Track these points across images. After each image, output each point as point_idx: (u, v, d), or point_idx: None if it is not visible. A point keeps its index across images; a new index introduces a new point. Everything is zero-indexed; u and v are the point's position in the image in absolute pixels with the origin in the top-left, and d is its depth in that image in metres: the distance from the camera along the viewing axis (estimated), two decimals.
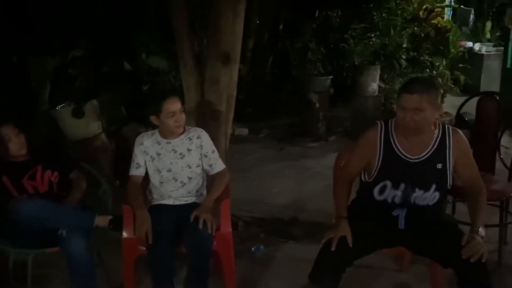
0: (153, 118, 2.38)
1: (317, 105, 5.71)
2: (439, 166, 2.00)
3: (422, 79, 2.13)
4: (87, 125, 4.09)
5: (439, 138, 2.02)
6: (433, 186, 2.01)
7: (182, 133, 2.44)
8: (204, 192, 2.48)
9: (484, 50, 8.41)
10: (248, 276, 2.69)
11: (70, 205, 2.46)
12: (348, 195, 2.16)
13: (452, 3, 8.68)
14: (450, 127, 2.06)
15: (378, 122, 2.09)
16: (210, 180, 2.49)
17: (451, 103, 6.81)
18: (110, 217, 2.37)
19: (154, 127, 2.51)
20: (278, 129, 6.14)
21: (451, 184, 2.06)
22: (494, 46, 8.69)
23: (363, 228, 2.02)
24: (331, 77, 5.98)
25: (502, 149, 2.98)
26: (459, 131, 2.08)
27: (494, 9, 9.38)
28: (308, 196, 3.90)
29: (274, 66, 6.93)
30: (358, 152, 2.13)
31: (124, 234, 2.31)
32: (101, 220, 2.36)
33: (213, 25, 2.95)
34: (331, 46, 6.45)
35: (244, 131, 6.07)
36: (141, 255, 2.27)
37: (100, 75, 4.77)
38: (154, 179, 2.42)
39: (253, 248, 2.95)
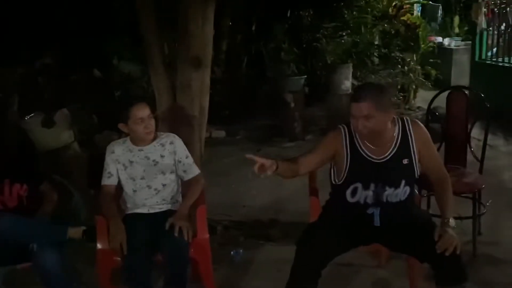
0: (121, 126, 2.33)
1: (293, 105, 5.73)
2: (405, 161, 2.02)
3: (370, 86, 2.10)
4: (58, 135, 4.00)
5: (400, 134, 2.04)
6: (403, 182, 2.03)
7: (154, 139, 2.40)
8: (179, 199, 2.44)
9: (453, 44, 8.59)
10: (228, 281, 2.67)
11: (41, 218, 2.39)
12: (297, 170, 2.06)
13: (421, 0, 8.84)
14: (409, 120, 2.08)
15: (341, 126, 2.09)
16: (185, 186, 2.46)
17: (423, 97, 6.93)
18: (84, 228, 2.32)
19: (127, 134, 2.47)
20: (255, 131, 6.13)
21: (418, 174, 2.08)
22: (462, 40, 8.88)
23: (339, 227, 2.03)
24: (305, 76, 6.01)
25: (474, 142, 3.04)
26: (418, 122, 2.10)
27: (461, 4, 9.59)
28: (286, 196, 3.90)
29: (248, 68, 6.93)
30: (320, 149, 2.09)
31: (98, 246, 2.26)
32: (74, 232, 2.31)
33: (183, 30, 2.92)
34: (304, 46, 6.49)
35: (221, 134, 6.04)
36: (118, 266, 2.23)
37: (70, 83, 4.69)
38: (127, 187, 2.38)
39: (232, 252, 2.93)
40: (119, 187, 2.41)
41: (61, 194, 2.63)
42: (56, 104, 4.16)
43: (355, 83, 5.98)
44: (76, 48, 4.87)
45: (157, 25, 2.99)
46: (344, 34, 6.48)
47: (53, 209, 2.50)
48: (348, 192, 2.07)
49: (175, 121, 2.92)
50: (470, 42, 7.62)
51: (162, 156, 2.38)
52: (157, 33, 2.99)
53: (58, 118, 4.00)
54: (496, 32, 6.57)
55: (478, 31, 6.78)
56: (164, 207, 2.37)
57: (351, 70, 5.90)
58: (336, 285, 2.55)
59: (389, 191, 2.03)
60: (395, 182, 2.03)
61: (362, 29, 6.52)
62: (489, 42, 6.76)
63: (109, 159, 2.38)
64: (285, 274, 2.02)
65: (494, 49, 6.69)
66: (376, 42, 6.55)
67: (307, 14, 6.78)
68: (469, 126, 2.94)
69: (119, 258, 2.17)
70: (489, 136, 2.98)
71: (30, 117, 3.99)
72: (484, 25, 6.66)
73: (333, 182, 2.17)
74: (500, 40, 6.51)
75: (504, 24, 6.39)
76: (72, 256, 2.45)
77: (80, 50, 4.92)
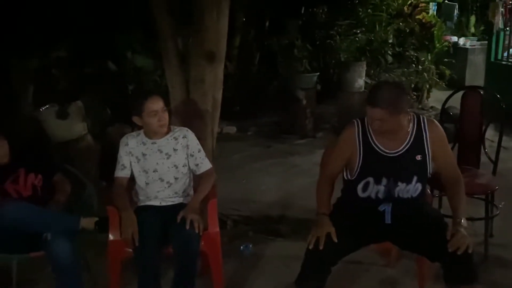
0: (135, 119, 2.35)
1: (304, 102, 5.72)
2: (419, 157, 2.02)
3: (386, 87, 2.02)
4: (72, 127, 4.04)
5: (415, 130, 2.04)
6: (415, 178, 2.02)
7: (168, 132, 2.41)
8: (191, 192, 2.46)
9: (468, 44, 8.49)
10: (237, 276, 2.69)
11: (54, 208, 2.42)
12: (330, 192, 2.17)
13: None
14: (425, 118, 2.08)
15: (355, 120, 2.11)
16: (197, 180, 2.47)
17: (436, 97, 6.87)
18: (96, 219, 2.35)
19: (140, 127, 2.49)
20: (266, 127, 6.14)
21: (431, 172, 2.07)
22: (478, 40, 8.78)
23: (350, 225, 2.02)
24: (318, 74, 5.99)
25: (487, 143, 3.00)
26: (434, 121, 2.10)
27: (478, 4, 9.47)
28: (296, 193, 3.90)
29: (261, 64, 6.93)
30: (338, 150, 2.14)
31: (110, 237, 2.28)
32: (87, 222, 2.33)
33: (197, 24, 2.92)
34: (317, 42, 6.47)
35: (232, 129, 6.06)
36: (128, 257, 2.25)
37: (84, 75, 4.73)
38: (140, 180, 2.40)
39: (241, 247, 2.94)
40: (132, 179, 2.43)
41: (74, 185, 2.66)
42: (70, 96, 4.20)
43: (368, 81, 5.96)
44: (90, 41, 4.91)
45: (172, 19, 3.00)
46: (358, 31, 6.45)
47: (66, 199, 2.53)
48: (360, 186, 2.06)
49: (188, 115, 2.93)
50: (485, 42, 7.53)
51: (175, 150, 2.39)
52: (172, 27, 2.99)
53: (72, 110, 4.04)
54: None
55: (494, 31, 6.69)
56: (176, 200, 2.39)
57: (364, 68, 5.86)
58: (344, 283, 2.55)
59: (400, 186, 2.02)
60: (407, 177, 2.02)
61: (377, 27, 6.47)
62: (506, 42, 6.67)
63: (122, 151, 2.41)
64: (293, 270, 2.02)
65: (511, 50, 6.60)
66: (390, 41, 6.51)
67: (321, 11, 6.75)
68: (483, 127, 2.91)
69: (130, 249, 2.19)
70: (503, 138, 2.94)
71: (44, 108, 4.03)
72: (501, 25, 6.57)
73: (345, 178, 2.17)
74: None
75: None
76: (83, 246, 2.48)
77: (94, 43, 4.95)
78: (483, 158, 2.93)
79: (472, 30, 9.43)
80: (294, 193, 3.91)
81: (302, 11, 6.74)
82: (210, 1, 2.85)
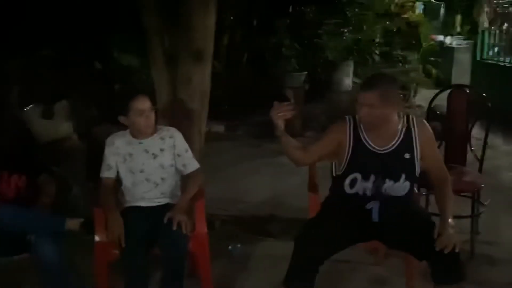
0: (122, 119, 2.32)
1: (293, 101, 5.69)
2: (407, 156, 2.03)
3: (381, 76, 2.15)
4: (58, 126, 3.98)
5: (405, 129, 2.05)
6: (403, 176, 2.03)
7: (154, 132, 2.39)
8: (178, 193, 2.43)
9: (454, 43, 8.59)
10: (225, 276, 2.67)
11: (39, 209, 2.38)
12: (300, 148, 2.15)
13: None
14: (415, 118, 2.09)
15: (347, 116, 2.12)
16: (184, 180, 2.45)
17: (423, 96, 6.92)
18: (82, 220, 2.31)
19: (126, 127, 2.46)
20: (255, 126, 6.12)
21: (419, 172, 2.08)
22: (464, 39, 8.88)
23: (338, 224, 2.02)
24: (306, 73, 5.99)
25: (473, 141, 3.03)
26: (424, 121, 2.11)
27: (464, 3, 9.58)
28: (285, 192, 3.90)
29: (249, 63, 6.91)
30: (326, 136, 2.13)
31: (96, 238, 2.26)
32: (72, 224, 2.30)
33: (185, 22, 2.90)
34: (305, 42, 6.47)
35: (220, 129, 6.04)
36: (115, 259, 2.22)
37: (70, 74, 4.66)
38: (126, 180, 2.37)
39: (230, 247, 2.93)
40: (118, 180, 2.41)
41: (59, 186, 2.62)
42: (56, 95, 4.14)
43: (356, 80, 5.98)
44: (77, 40, 4.85)
45: (159, 18, 2.97)
46: (345, 31, 6.47)
47: (51, 200, 2.49)
48: (347, 182, 2.06)
49: (175, 115, 2.91)
50: (471, 41, 7.63)
51: (161, 150, 2.37)
52: (159, 25, 2.97)
53: (57, 109, 3.97)
54: (498, 32, 6.56)
55: (480, 30, 6.77)
56: (163, 201, 2.36)
57: (352, 67, 5.89)
58: (333, 282, 2.56)
59: (388, 183, 2.03)
60: (395, 175, 2.03)
61: (364, 26, 6.50)
62: (491, 41, 6.76)
63: (108, 151, 2.37)
64: (282, 270, 2.01)
65: (496, 49, 6.69)
66: (377, 40, 6.54)
67: (309, 10, 6.76)
68: (469, 125, 2.93)
69: (116, 251, 2.16)
70: (489, 136, 2.97)
71: (29, 108, 3.97)
72: (486, 25, 6.65)
73: (334, 174, 2.17)
74: (502, 39, 6.51)
75: (505, 24, 6.38)
76: (69, 248, 2.44)
77: (81, 42, 4.90)
78: (470, 156, 2.95)
79: (458, 29, 9.54)
80: (283, 193, 3.91)
81: (290, 10, 6.74)
82: (197, 0, 2.83)
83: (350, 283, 2.61)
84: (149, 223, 2.22)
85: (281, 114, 2.07)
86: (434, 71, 7.42)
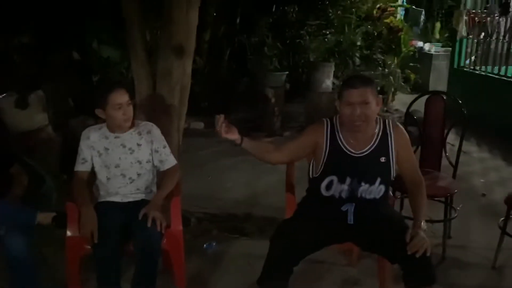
0: (98, 112, 2.27)
1: (273, 100, 5.73)
2: (383, 159, 2.05)
3: (361, 75, 2.22)
4: (32, 117, 3.89)
5: (381, 132, 2.07)
6: (378, 179, 2.05)
7: (132, 127, 2.35)
8: (154, 189, 2.41)
9: (433, 50, 8.74)
10: (199, 274, 2.66)
11: (9, 201, 2.32)
12: (270, 146, 2.18)
13: (405, 3, 8.95)
14: (391, 121, 2.12)
15: (324, 119, 2.13)
16: (161, 176, 2.42)
17: (401, 100, 7.04)
18: (53, 214, 2.27)
19: (103, 120, 2.41)
20: (234, 124, 6.04)
21: (394, 176, 2.11)
22: (442, 46, 9.05)
23: (313, 225, 2.03)
24: (287, 72, 6.01)
25: (448, 147, 3.09)
26: (400, 125, 2.14)
27: (443, 11, 9.77)
28: (262, 191, 3.90)
29: (231, 60, 6.89)
30: (303, 136, 2.14)
31: (68, 233, 2.21)
32: (44, 217, 2.25)
33: (166, 16, 2.86)
34: (287, 41, 6.49)
35: (200, 125, 6.00)
36: (87, 254, 2.18)
37: (47, 63, 4.56)
38: (101, 175, 2.32)
39: (205, 245, 2.92)
40: (93, 174, 2.36)
41: (31, 177, 2.55)
42: (31, 84, 4.04)
43: (336, 82, 6.03)
44: (55, 28, 4.74)
45: (140, 10, 2.93)
46: (328, 32, 6.52)
47: (22, 192, 2.43)
48: (324, 185, 2.07)
49: (153, 110, 2.87)
50: (449, 48, 7.77)
51: (138, 145, 2.33)
52: (140, 18, 2.92)
53: (32, 99, 3.88)
54: (475, 41, 6.70)
55: (458, 38, 6.91)
56: (138, 197, 2.33)
57: (332, 69, 5.93)
58: (307, 282, 2.57)
59: (364, 187, 2.05)
60: (370, 178, 2.05)
61: (346, 29, 6.56)
62: (468, 50, 6.90)
63: (83, 144, 2.32)
64: (257, 269, 2.01)
65: (473, 57, 6.83)
66: (358, 43, 6.61)
67: (292, 10, 6.78)
68: (445, 131, 2.98)
69: (89, 246, 2.12)
70: (464, 142, 3.03)
71: (3, 96, 3.86)
72: (464, 33, 6.79)
73: (310, 176, 2.18)
74: (479, 48, 6.65)
75: (483, 34, 6.52)
76: (40, 242, 2.39)
77: (59, 30, 4.78)
78: (444, 161, 3.01)
79: (437, 36, 9.72)
80: (261, 191, 3.91)
81: (273, 9, 6.75)
82: None
83: (324, 283, 2.62)
84: (123, 219, 2.19)
85: (224, 129, 2.02)
86: (412, 76, 7.53)
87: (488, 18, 6.38)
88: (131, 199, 2.32)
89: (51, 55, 4.68)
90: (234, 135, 2.05)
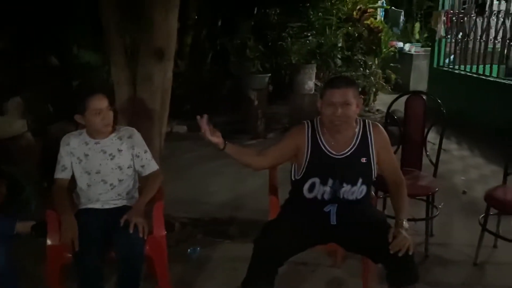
0: (78, 118, 2.24)
1: (256, 102, 5.73)
2: (364, 160, 2.07)
3: (344, 76, 2.24)
4: (10, 124, 3.83)
5: (361, 133, 2.09)
6: (360, 180, 2.07)
7: (112, 132, 2.32)
8: (136, 195, 2.38)
9: (413, 50, 8.86)
10: (184, 279, 2.64)
11: None
12: (253, 155, 2.17)
13: (384, 5, 9.05)
14: (370, 122, 2.14)
15: (305, 122, 2.14)
16: (143, 181, 2.39)
17: (382, 100, 7.11)
18: (33, 222, 2.22)
19: (83, 126, 2.37)
20: (217, 127, 5.93)
21: (375, 176, 2.13)
22: (422, 46, 9.19)
23: (296, 226, 2.04)
24: (269, 75, 6.02)
25: (429, 145, 3.12)
26: (379, 125, 2.16)
27: (422, 11, 9.91)
28: (246, 194, 3.90)
29: (213, 63, 6.88)
30: (284, 141, 2.15)
31: (48, 242, 2.16)
32: (23, 227, 2.21)
33: (146, 20, 2.84)
34: (269, 44, 6.51)
35: (183, 129, 5.97)
36: (68, 263, 2.14)
37: (25, 69, 4.48)
38: (81, 181, 2.29)
39: (189, 250, 2.89)
40: (73, 180, 2.32)
41: (10, 186, 2.51)
42: (9, 91, 3.97)
43: (318, 83, 6.07)
44: (33, 34, 4.66)
45: (119, 14, 2.90)
46: (309, 34, 6.55)
47: (1, 201, 2.38)
48: (306, 187, 2.08)
49: (134, 114, 2.84)
50: (429, 48, 7.89)
51: (119, 150, 2.30)
52: (119, 22, 2.89)
53: (10, 106, 3.82)
54: (453, 41, 6.82)
55: (437, 38, 7.02)
56: (120, 203, 2.30)
57: (314, 70, 5.96)
58: (292, 284, 2.57)
59: (346, 187, 2.06)
60: (352, 179, 2.06)
61: (327, 30, 6.61)
62: (447, 49, 7.02)
63: (63, 151, 2.29)
64: (241, 273, 2.01)
65: (452, 57, 6.94)
66: (339, 44, 6.66)
67: (273, 12, 6.80)
68: (425, 130, 3.02)
69: (70, 255, 2.08)
70: (444, 141, 3.07)
71: None
72: (442, 33, 6.90)
73: (293, 178, 2.18)
74: (457, 48, 6.77)
75: (461, 34, 6.64)
76: (20, 251, 2.34)
77: (37, 36, 4.71)
78: (425, 160, 3.04)
79: (417, 36, 9.86)
80: (244, 194, 3.90)
81: (255, 12, 6.76)
82: None
83: (309, 285, 2.62)
84: (105, 226, 2.15)
85: (209, 131, 2.01)
86: (393, 76, 7.63)
87: (465, 18, 6.50)
88: (112, 206, 2.29)
89: (29, 61, 4.61)
90: (219, 139, 2.04)
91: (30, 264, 2.57)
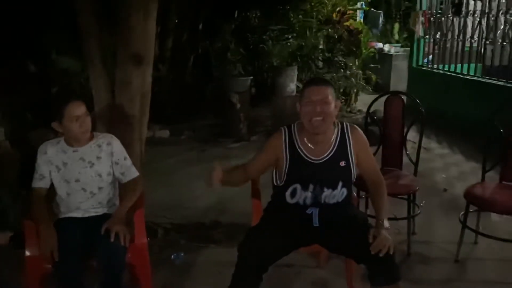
0: (55, 125, 2.20)
1: (238, 105, 5.73)
2: (343, 163, 2.07)
3: (322, 78, 2.29)
4: None
5: (339, 137, 2.10)
6: (340, 183, 2.08)
7: (91, 139, 2.29)
8: (117, 202, 2.35)
9: (393, 50, 8.97)
10: (168, 286, 2.61)
11: None
12: (241, 175, 2.18)
13: (363, 6, 9.15)
14: (348, 125, 2.15)
15: (282, 128, 2.14)
16: (123, 188, 2.36)
17: (363, 101, 7.18)
18: (11, 233, 2.17)
19: (61, 134, 2.33)
20: (200, 131, 6.07)
21: (355, 178, 2.14)
22: (402, 46, 9.31)
23: (279, 229, 2.04)
24: (251, 77, 6.03)
25: (410, 144, 3.16)
26: (356, 127, 2.17)
27: (401, 12, 10.05)
28: (229, 198, 3.88)
29: (195, 67, 6.86)
30: (264, 154, 2.16)
31: (27, 252, 2.12)
32: (0, 238, 2.15)
33: (123, 24, 2.81)
34: (251, 47, 6.52)
35: (165, 133, 5.93)
36: (48, 273, 2.10)
37: (1, 76, 4.39)
38: (61, 190, 2.25)
39: (172, 256, 2.87)
40: (52, 189, 2.28)
41: None
42: None
43: (300, 85, 6.10)
44: (10, 38, 4.57)
45: (96, 18, 2.86)
46: (290, 37, 6.59)
47: None
48: (288, 193, 2.09)
49: (113, 121, 2.81)
50: (408, 48, 7.99)
51: (98, 158, 2.27)
52: (96, 27, 2.86)
53: None
54: (432, 40, 6.92)
55: (415, 38, 7.12)
56: (100, 211, 2.27)
57: (296, 72, 5.99)
58: (277, 286, 2.57)
59: (326, 192, 2.07)
60: (332, 183, 2.07)
61: (307, 32, 6.65)
62: (426, 49, 7.12)
63: (41, 160, 2.25)
64: (226, 277, 2.00)
65: (430, 56, 7.05)
66: (320, 46, 6.71)
67: (254, 15, 6.82)
68: (405, 130, 3.05)
69: (49, 265, 2.04)
70: (424, 139, 3.11)
71: None
72: (421, 33, 7.00)
73: (275, 183, 2.19)
74: (436, 48, 6.87)
75: (439, 33, 6.74)
76: None
77: (15, 41, 4.62)
78: (405, 159, 3.07)
79: (396, 37, 9.99)
80: (228, 198, 3.88)
81: (236, 15, 6.76)
82: (136, 1, 2.75)
83: (294, 286, 2.63)
84: (85, 235, 2.12)
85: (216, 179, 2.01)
86: (373, 77, 7.71)
87: (443, 19, 6.60)
88: (92, 214, 2.26)
89: (5, 67, 4.51)
90: (220, 181, 2.03)
91: (9, 275, 2.51)
